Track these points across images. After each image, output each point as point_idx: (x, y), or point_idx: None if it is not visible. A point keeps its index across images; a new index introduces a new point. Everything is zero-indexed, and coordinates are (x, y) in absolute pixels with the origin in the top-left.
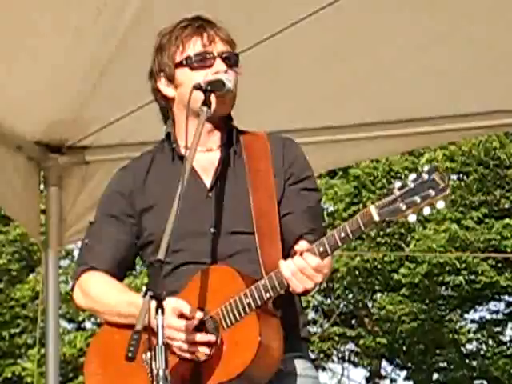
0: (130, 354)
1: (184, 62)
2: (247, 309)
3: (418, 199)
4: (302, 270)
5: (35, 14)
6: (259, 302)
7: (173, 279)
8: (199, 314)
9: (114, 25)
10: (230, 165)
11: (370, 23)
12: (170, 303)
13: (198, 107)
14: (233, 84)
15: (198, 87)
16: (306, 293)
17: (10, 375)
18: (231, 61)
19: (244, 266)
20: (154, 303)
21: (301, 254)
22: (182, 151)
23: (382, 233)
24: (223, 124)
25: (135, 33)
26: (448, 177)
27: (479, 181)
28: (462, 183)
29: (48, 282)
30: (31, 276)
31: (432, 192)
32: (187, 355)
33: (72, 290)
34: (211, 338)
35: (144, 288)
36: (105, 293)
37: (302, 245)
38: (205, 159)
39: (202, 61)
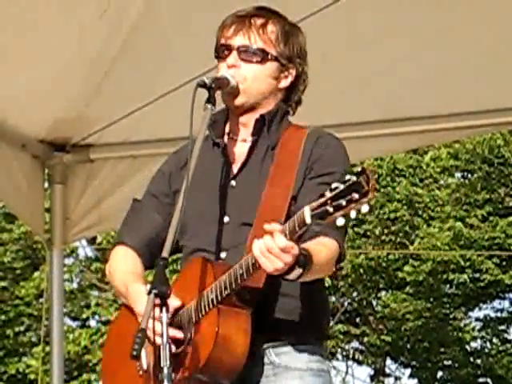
0: (134, 353)
1: (214, 53)
2: (211, 304)
3: (343, 202)
4: (270, 249)
5: (40, 13)
6: (219, 298)
7: (184, 265)
8: (176, 303)
9: (118, 24)
10: (259, 156)
11: (375, 21)
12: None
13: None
14: (236, 81)
15: (202, 84)
16: (278, 273)
17: (14, 372)
18: (248, 55)
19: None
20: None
21: (271, 234)
22: (225, 139)
23: (386, 231)
24: (265, 116)
25: (139, 32)
26: (374, 179)
27: (483, 179)
28: (467, 181)
29: (52, 280)
30: (36, 274)
31: (356, 195)
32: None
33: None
34: (178, 334)
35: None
36: (119, 275)
37: (274, 226)
38: (239, 149)
39: (220, 52)
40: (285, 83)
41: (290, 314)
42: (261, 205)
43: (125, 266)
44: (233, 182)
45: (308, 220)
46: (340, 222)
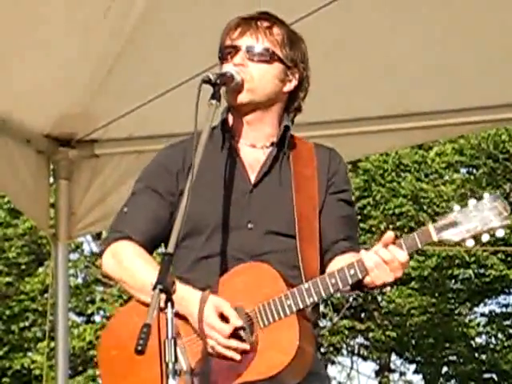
0: (139, 348)
1: (219, 54)
2: (287, 311)
3: (478, 225)
4: (390, 262)
5: (46, 9)
6: (301, 306)
7: (201, 268)
8: (238, 322)
9: (123, 20)
10: (277, 165)
11: (379, 18)
12: (213, 301)
13: (230, 102)
14: (241, 77)
15: (206, 80)
16: (383, 286)
17: (19, 367)
18: (256, 55)
19: (274, 267)
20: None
21: (385, 246)
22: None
23: (391, 226)
24: (271, 119)
25: (143, 28)
26: (510, 208)
27: (488, 174)
28: (472, 177)
29: (57, 275)
30: (40, 269)
31: (494, 219)
32: (218, 354)
33: (101, 255)
34: (246, 347)
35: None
36: (139, 268)
37: (388, 235)
38: (251, 154)
39: (226, 54)
40: (289, 87)
41: (315, 323)
42: (297, 217)
43: (147, 262)
44: (253, 189)
45: (435, 238)
46: (470, 243)
